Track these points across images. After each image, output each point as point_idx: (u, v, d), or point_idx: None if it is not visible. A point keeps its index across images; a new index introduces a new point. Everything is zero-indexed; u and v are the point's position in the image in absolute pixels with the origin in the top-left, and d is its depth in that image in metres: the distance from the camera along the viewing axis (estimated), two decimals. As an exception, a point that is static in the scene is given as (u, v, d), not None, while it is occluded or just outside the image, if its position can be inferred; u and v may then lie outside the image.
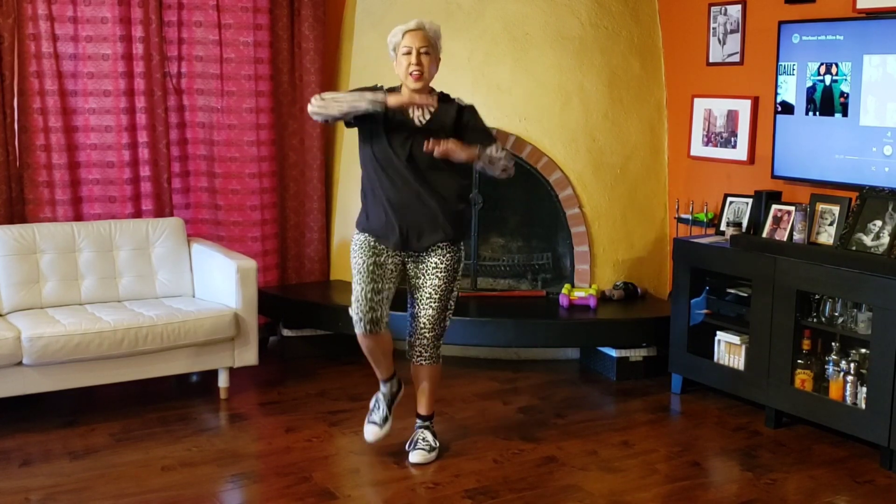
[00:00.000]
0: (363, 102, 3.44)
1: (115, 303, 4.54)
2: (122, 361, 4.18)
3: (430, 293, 3.63)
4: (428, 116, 3.57)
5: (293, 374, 4.85)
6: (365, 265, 3.61)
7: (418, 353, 3.69)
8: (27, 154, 4.67)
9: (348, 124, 3.60)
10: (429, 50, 3.50)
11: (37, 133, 4.67)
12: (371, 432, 3.82)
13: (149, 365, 4.25)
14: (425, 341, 3.66)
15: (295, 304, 5.16)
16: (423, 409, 3.82)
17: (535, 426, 4.20)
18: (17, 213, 4.68)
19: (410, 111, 3.55)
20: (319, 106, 3.49)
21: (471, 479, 3.60)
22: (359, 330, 3.64)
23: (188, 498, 3.42)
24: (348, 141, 5.38)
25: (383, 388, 3.86)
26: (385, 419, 3.83)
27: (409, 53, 3.48)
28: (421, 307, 3.65)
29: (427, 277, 3.63)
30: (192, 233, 5.12)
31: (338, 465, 3.80)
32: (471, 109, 3.63)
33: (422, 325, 3.64)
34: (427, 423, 3.82)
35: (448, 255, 3.64)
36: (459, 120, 3.58)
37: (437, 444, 3.79)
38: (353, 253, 3.68)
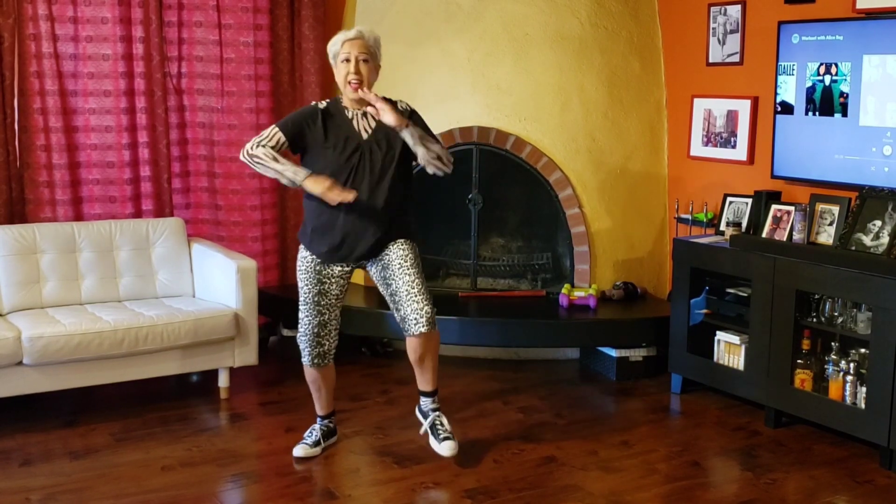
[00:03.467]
0: (283, 179, 3.49)
1: (115, 303, 4.54)
2: (123, 361, 4.18)
3: (400, 263, 3.57)
4: (373, 125, 3.56)
5: (293, 374, 4.84)
6: (310, 296, 3.65)
7: (414, 321, 3.51)
8: (27, 154, 4.67)
9: (293, 151, 3.60)
10: (368, 58, 3.51)
11: (37, 133, 4.67)
12: (300, 449, 3.81)
13: (149, 365, 4.25)
14: (416, 305, 3.52)
15: (295, 304, 5.12)
16: (429, 385, 3.71)
17: (535, 426, 4.20)
18: (17, 212, 4.68)
19: (355, 124, 3.55)
20: (246, 160, 3.54)
21: (471, 479, 3.60)
22: (305, 362, 3.74)
23: (188, 498, 3.42)
24: (348, 141, 5.39)
25: (320, 422, 3.90)
26: (316, 443, 3.83)
27: (347, 61, 3.50)
28: (398, 278, 3.56)
29: (392, 254, 3.59)
30: (193, 233, 5.13)
31: (338, 465, 3.80)
32: (415, 113, 3.64)
33: (406, 292, 3.54)
34: (437, 403, 3.74)
35: (406, 240, 3.63)
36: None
37: (451, 428, 3.74)
38: (298, 271, 3.68)
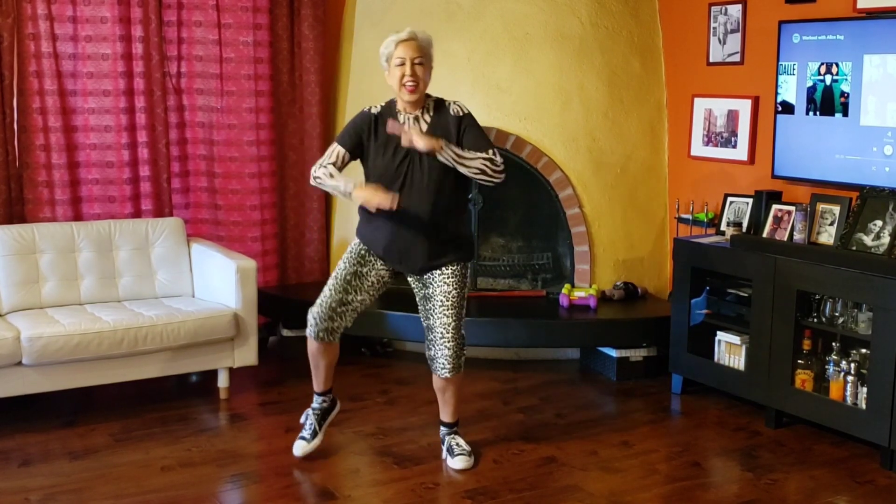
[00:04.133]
0: (339, 194, 3.48)
1: (114, 303, 4.54)
2: (122, 361, 4.17)
3: (441, 301, 3.57)
4: (425, 129, 3.50)
5: (293, 374, 4.84)
6: (343, 273, 3.61)
7: (441, 365, 3.62)
8: (27, 154, 4.67)
9: (352, 158, 3.57)
10: (423, 60, 3.46)
11: (36, 133, 4.67)
12: (299, 447, 3.78)
13: (149, 365, 4.25)
14: (447, 351, 3.59)
15: (295, 304, 5.15)
16: (448, 417, 3.80)
17: (535, 426, 4.19)
18: (16, 213, 4.68)
19: (407, 129, 3.44)
20: (315, 184, 3.55)
21: (471, 479, 3.60)
22: (310, 333, 3.65)
23: (188, 498, 3.42)
24: (348, 141, 5.38)
25: (315, 402, 3.85)
26: (314, 434, 3.80)
27: (402, 64, 3.44)
28: (435, 317, 3.59)
29: (436, 286, 3.58)
30: (192, 233, 5.12)
31: (338, 465, 3.80)
32: (468, 117, 3.56)
33: (440, 335, 3.58)
34: (456, 430, 3.82)
35: (455, 266, 3.60)
36: (458, 129, 3.52)
37: (470, 448, 3.79)
38: (344, 254, 3.67)
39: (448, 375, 3.63)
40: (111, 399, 4.44)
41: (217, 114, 5.12)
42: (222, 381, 4.49)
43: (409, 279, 3.69)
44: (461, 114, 3.55)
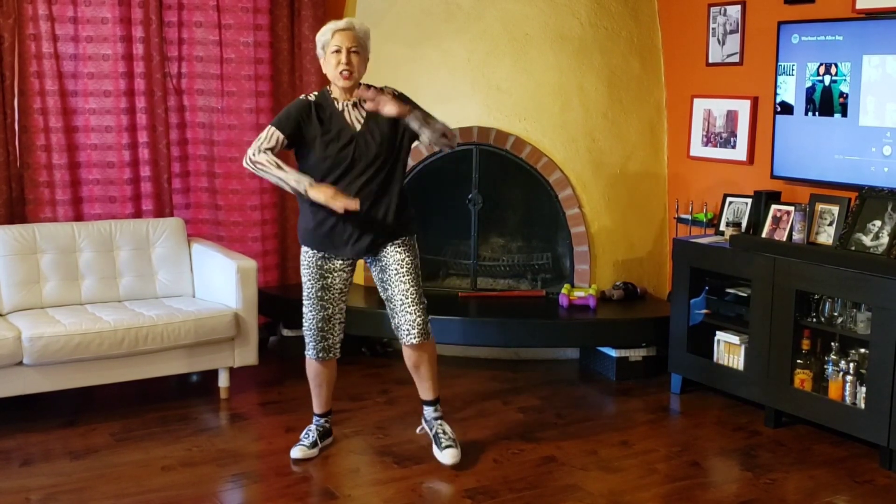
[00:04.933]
0: (286, 186, 3.46)
1: (115, 303, 4.54)
2: (123, 361, 4.18)
3: (396, 269, 3.59)
4: (364, 115, 3.54)
5: (293, 374, 4.84)
6: (313, 290, 3.63)
7: (406, 331, 3.59)
8: (27, 154, 4.67)
9: (288, 148, 3.56)
10: (358, 49, 3.49)
11: (37, 133, 4.67)
12: (298, 450, 3.78)
13: (149, 365, 4.25)
14: (409, 316, 3.57)
15: (295, 304, 5.13)
16: (428, 393, 3.76)
17: (535, 426, 4.20)
18: (17, 213, 4.68)
19: (346, 115, 3.52)
20: (249, 167, 3.51)
21: (471, 479, 3.60)
22: (310, 355, 3.73)
23: (188, 498, 3.43)
24: (348, 141, 5.39)
25: (317, 421, 3.88)
26: (314, 444, 3.81)
27: (338, 52, 3.47)
28: (394, 285, 3.59)
29: (389, 257, 3.60)
30: (193, 233, 5.13)
31: (338, 465, 3.80)
32: (402, 95, 3.58)
33: (399, 302, 3.59)
34: (439, 411, 3.78)
35: (405, 238, 3.63)
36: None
37: (455, 435, 3.75)
38: (301, 267, 3.68)
39: (415, 341, 3.58)
40: (111, 399, 4.45)
41: (217, 114, 5.12)
42: (223, 380, 4.49)
43: (369, 267, 3.69)
44: (396, 92, 3.58)
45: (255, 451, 3.91)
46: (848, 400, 3.90)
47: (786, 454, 3.91)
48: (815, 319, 4.05)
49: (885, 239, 3.82)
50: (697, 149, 5.06)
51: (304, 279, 3.68)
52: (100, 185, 4.87)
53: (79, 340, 4.03)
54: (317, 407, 3.89)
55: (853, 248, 3.90)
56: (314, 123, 3.53)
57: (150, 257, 4.71)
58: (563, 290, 5.05)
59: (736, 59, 4.81)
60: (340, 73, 3.48)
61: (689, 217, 4.86)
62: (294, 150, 3.61)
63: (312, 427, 3.89)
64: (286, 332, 5.22)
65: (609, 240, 5.19)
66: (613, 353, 4.88)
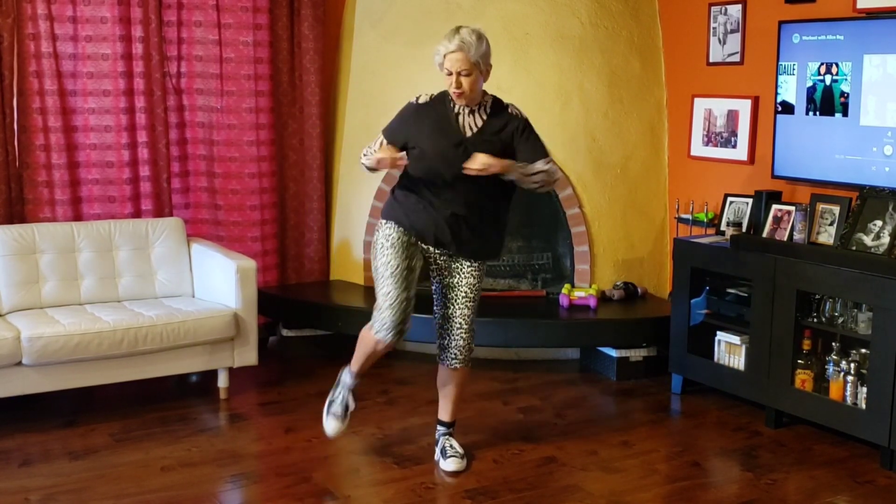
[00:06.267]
0: (378, 164, 3.48)
1: (114, 303, 4.54)
2: (122, 361, 4.18)
3: (465, 292, 3.59)
4: (480, 124, 3.49)
5: (293, 374, 4.84)
6: (400, 269, 3.50)
7: (454, 356, 3.62)
8: (27, 154, 4.67)
9: (401, 149, 3.53)
10: (470, 71, 3.40)
11: (36, 133, 4.67)
12: (332, 425, 3.69)
13: (148, 365, 4.25)
14: (462, 342, 3.61)
15: (295, 304, 5.16)
16: (448, 416, 3.79)
17: (535, 426, 4.20)
18: (16, 213, 4.68)
19: (460, 119, 3.47)
20: (363, 170, 3.61)
21: (471, 479, 3.60)
22: (384, 336, 3.50)
23: (188, 498, 3.42)
24: (348, 141, 5.38)
25: (353, 380, 3.71)
26: (346, 410, 3.69)
27: (450, 75, 3.43)
28: (457, 307, 3.60)
29: (462, 277, 3.59)
30: (192, 233, 5.12)
31: (338, 465, 3.80)
32: (526, 122, 3.54)
33: (458, 326, 3.60)
34: (451, 431, 3.80)
35: (482, 261, 3.64)
36: (512, 132, 3.50)
37: (463, 451, 3.76)
38: (382, 249, 3.53)
39: (458, 366, 3.64)
40: (111, 399, 4.45)
41: (217, 114, 5.12)
42: (222, 381, 4.49)
43: (436, 265, 3.62)
44: (520, 116, 3.55)
45: (255, 452, 3.90)
46: (849, 400, 3.89)
47: (786, 454, 3.91)
48: (815, 319, 4.04)
49: (886, 239, 3.81)
50: (698, 148, 5.06)
51: (386, 259, 3.50)
52: (99, 184, 4.86)
53: (78, 340, 4.03)
54: (359, 367, 3.70)
55: (854, 248, 3.89)
56: (412, 124, 3.52)
57: (150, 257, 4.70)
58: (564, 290, 5.05)
59: (737, 58, 4.80)
60: (453, 93, 3.45)
61: (689, 217, 4.86)
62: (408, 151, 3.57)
63: (346, 391, 3.71)
64: (286, 332, 5.22)
65: (609, 240, 5.19)
66: (614, 353, 4.87)
